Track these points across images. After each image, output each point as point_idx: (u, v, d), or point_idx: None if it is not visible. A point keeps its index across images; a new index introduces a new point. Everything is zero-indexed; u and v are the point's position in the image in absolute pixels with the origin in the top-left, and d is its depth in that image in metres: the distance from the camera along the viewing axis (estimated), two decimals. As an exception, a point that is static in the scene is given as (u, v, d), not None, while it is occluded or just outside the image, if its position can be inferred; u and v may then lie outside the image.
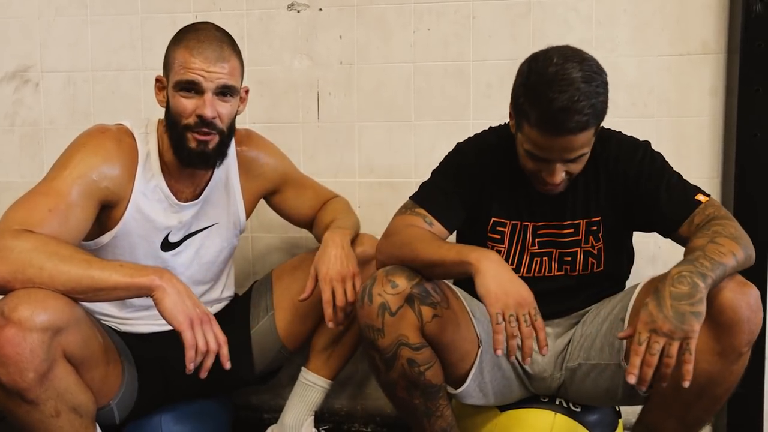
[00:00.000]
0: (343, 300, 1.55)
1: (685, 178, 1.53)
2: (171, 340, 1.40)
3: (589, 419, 1.61)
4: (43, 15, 2.15)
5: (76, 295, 1.31)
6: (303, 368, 1.77)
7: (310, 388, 1.75)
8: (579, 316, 1.63)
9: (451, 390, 1.54)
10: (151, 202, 1.57)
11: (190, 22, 1.60)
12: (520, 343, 1.31)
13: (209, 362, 1.36)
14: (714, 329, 1.31)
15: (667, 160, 1.54)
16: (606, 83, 1.39)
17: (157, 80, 1.59)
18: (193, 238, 1.66)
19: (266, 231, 2.11)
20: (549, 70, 1.35)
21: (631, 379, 1.23)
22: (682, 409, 1.41)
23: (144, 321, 1.62)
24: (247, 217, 1.76)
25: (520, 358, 1.35)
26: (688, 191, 1.49)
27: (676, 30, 1.92)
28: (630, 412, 1.54)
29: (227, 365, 1.38)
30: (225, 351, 1.38)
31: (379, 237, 1.57)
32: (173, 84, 1.51)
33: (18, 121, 2.19)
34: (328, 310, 1.55)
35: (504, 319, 1.29)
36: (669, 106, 1.94)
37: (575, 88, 1.32)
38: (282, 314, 1.72)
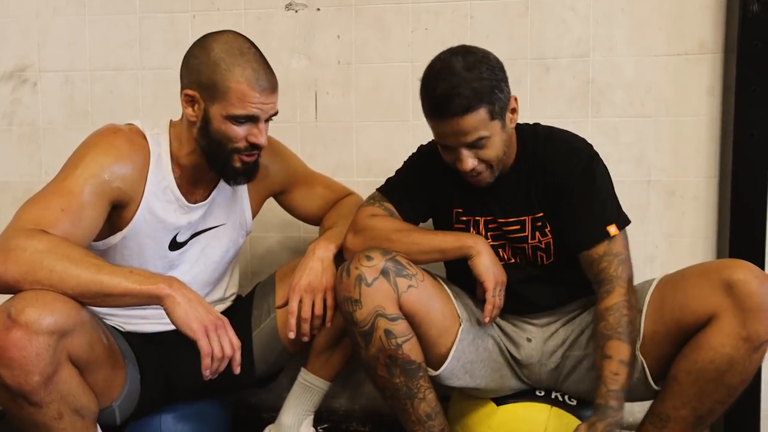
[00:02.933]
0: (308, 312, 1.55)
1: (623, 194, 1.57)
2: (174, 341, 1.40)
3: (585, 413, 1.62)
4: (41, 14, 2.14)
5: (84, 299, 1.31)
6: (302, 369, 1.77)
7: (308, 389, 1.75)
8: (576, 307, 1.65)
9: (432, 372, 1.56)
10: (162, 203, 1.56)
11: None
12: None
13: (222, 367, 1.36)
14: (740, 315, 1.38)
15: (605, 172, 1.57)
16: (493, 68, 1.46)
17: (189, 96, 1.50)
18: (199, 237, 1.66)
19: (265, 231, 2.10)
20: (435, 66, 1.47)
21: None
22: (697, 397, 1.44)
23: (148, 320, 1.62)
24: (253, 218, 1.76)
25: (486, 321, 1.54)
26: (604, 217, 1.52)
27: (673, 30, 1.93)
28: (628, 413, 1.55)
29: (237, 370, 1.38)
30: (237, 356, 1.38)
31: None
32: (227, 114, 1.48)
33: (16, 120, 2.19)
34: (290, 321, 1.55)
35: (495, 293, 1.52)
36: (666, 105, 1.95)
37: (455, 75, 1.43)
38: (284, 316, 1.68)
